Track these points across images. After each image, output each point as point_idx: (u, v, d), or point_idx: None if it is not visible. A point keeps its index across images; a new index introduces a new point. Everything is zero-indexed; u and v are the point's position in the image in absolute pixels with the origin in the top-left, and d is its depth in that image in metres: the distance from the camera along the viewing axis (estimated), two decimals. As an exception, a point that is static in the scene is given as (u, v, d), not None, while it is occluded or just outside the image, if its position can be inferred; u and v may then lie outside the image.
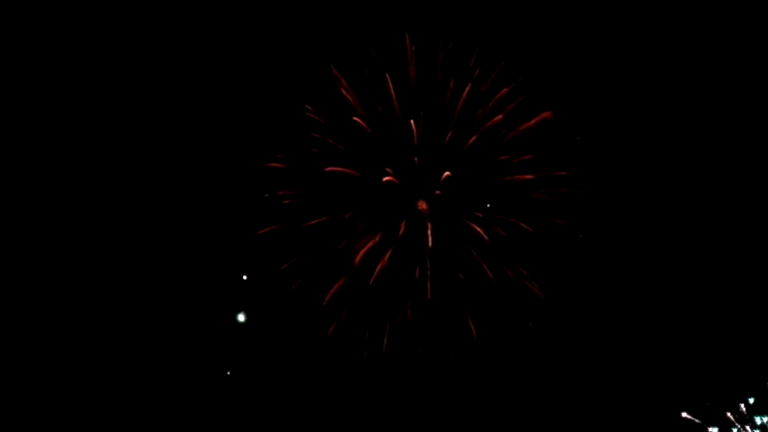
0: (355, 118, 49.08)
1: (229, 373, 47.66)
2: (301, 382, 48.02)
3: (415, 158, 49.10)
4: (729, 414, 46.12)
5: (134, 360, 46.79)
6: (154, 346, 47.03)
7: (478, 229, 48.48)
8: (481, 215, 48.79)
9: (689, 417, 46.34)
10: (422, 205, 49.17)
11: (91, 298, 46.95)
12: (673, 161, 48.52)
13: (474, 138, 48.78)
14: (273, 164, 49.15)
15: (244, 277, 48.19)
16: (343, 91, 49.04)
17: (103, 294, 47.13)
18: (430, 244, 48.78)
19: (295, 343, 48.28)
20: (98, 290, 47.12)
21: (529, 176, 48.58)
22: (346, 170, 49.18)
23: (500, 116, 48.55)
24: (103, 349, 46.56)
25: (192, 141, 49.22)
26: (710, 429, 46.04)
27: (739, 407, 46.10)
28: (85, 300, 46.85)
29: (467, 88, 48.69)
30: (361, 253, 48.63)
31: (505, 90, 48.55)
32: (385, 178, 48.87)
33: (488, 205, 48.93)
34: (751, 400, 45.93)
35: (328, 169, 49.02)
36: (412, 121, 48.83)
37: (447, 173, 48.74)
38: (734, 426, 45.95)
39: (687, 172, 48.34)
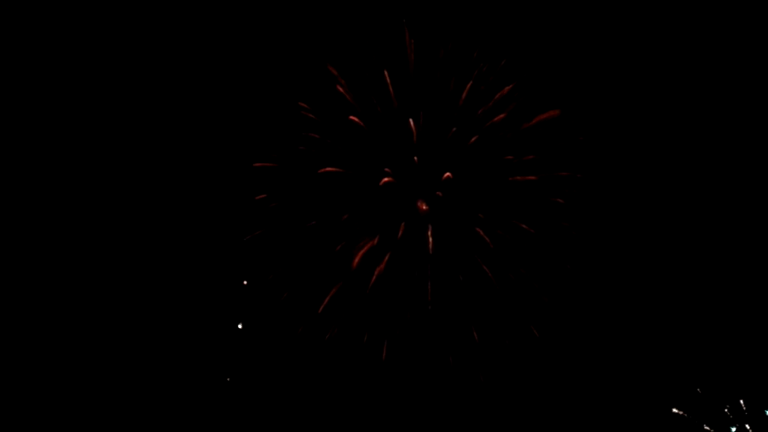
0: (352, 117, 47.19)
1: (228, 379, 46.78)
2: (301, 389, 47.25)
3: (415, 158, 47.47)
4: (726, 410, 46.23)
5: (132, 367, 45.75)
6: (152, 354, 45.96)
7: (480, 231, 47.31)
8: (483, 216, 47.55)
9: (682, 413, 46.42)
10: (422, 206, 47.74)
11: (85, 306, 45.63)
12: (679, 162, 47.38)
13: (476, 137, 47.17)
14: (264, 164, 47.45)
15: (245, 282, 46.90)
16: (340, 89, 47.03)
17: (98, 299, 45.90)
18: (430, 246, 47.54)
19: (293, 350, 47.33)
20: (92, 296, 45.83)
21: (532, 177, 47.22)
22: (342, 170, 47.53)
23: (502, 115, 46.91)
24: (101, 357, 45.49)
25: (184, 141, 47.29)
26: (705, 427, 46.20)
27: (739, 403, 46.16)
28: (79, 309, 45.53)
29: (468, 86, 46.89)
30: (359, 256, 47.38)
31: (507, 88, 46.78)
32: (384, 179, 47.29)
33: (490, 207, 47.65)
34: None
35: (325, 169, 47.35)
36: (411, 120, 47.05)
37: (448, 174, 47.22)
38: (733, 425, 46.09)
39: (692, 173, 47.28)
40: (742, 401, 45.83)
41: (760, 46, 46.29)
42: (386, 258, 47.34)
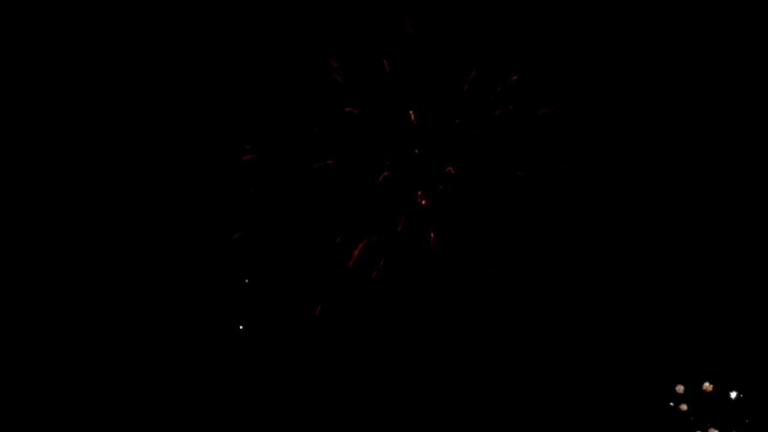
0: (350, 109, 45.59)
1: (227, 381, 45.47)
2: (299, 390, 46.12)
3: (416, 150, 46.11)
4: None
5: (128, 370, 44.31)
6: (149, 357, 44.51)
7: (482, 225, 46.37)
8: (484, 211, 46.57)
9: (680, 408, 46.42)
10: (423, 201, 46.50)
11: (74, 309, 43.96)
12: (683, 158, 46.82)
13: (477, 130, 46.00)
14: (258, 157, 45.79)
15: (246, 281, 45.42)
16: (338, 78, 45.34)
17: (89, 300, 44.29)
18: (431, 241, 46.43)
19: (289, 351, 46.10)
20: (83, 297, 44.20)
21: (534, 171, 46.28)
22: (341, 163, 46.05)
23: (505, 108, 45.80)
24: (94, 359, 44.00)
25: (173, 135, 45.42)
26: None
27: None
28: (66, 312, 43.81)
29: (470, 77, 45.62)
30: (357, 252, 46.11)
31: (510, 80, 45.63)
32: (384, 173, 45.92)
33: (492, 201, 46.65)
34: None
35: (321, 162, 45.82)
36: (411, 112, 45.64)
37: (449, 168, 46.00)
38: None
39: (696, 170, 46.77)
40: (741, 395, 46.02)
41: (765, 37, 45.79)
42: (385, 254, 46.16)
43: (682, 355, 46.94)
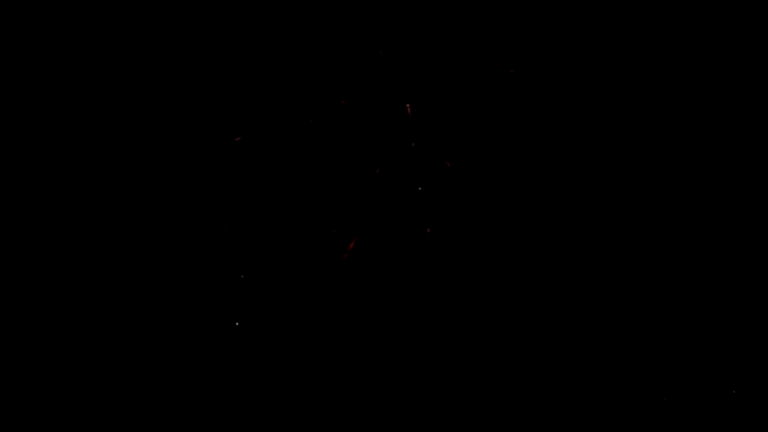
0: (343, 102, 44.46)
1: (226, 380, 44.98)
2: (298, 389, 45.72)
3: (412, 143, 45.13)
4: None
5: (123, 372, 43.59)
6: (142, 356, 43.76)
7: (479, 221, 45.59)
8: (481, 206, 45.76)
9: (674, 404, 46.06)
10: (420, 197, 45.67)
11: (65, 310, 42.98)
12: (683, 161, 45.81)
13: (476, 125, 44.97)
14: (243, 149, 44.70)
15: (242, 276, 44.58)
16: (333, 73, 44.10)
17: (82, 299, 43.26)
18: (428, 236, 45.68)
19: (286, 347, 45.58)
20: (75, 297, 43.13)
21: (533, 167, 45.39)
22: (335, 156, 45.07)
23: (499, 104, 44.66)
24: (96, 360, 43.17)
25: (171, 130, 44.07)
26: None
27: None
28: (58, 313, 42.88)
29: (468, 70, 44.36)
30: (351, 246, 45.35)
31: (509, 73, 44.38)
32: (378, 168, 44.99)
33: (490, 196, 45.80)
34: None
35: (315, 155, 44.81)
36: (408, 106, 44.51)
37: (447, 163, 45.09)
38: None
39: (696, 172, 45.76)
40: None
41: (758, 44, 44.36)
42: (381, 249, 45.43)
43: (681, 355, 46.61)
